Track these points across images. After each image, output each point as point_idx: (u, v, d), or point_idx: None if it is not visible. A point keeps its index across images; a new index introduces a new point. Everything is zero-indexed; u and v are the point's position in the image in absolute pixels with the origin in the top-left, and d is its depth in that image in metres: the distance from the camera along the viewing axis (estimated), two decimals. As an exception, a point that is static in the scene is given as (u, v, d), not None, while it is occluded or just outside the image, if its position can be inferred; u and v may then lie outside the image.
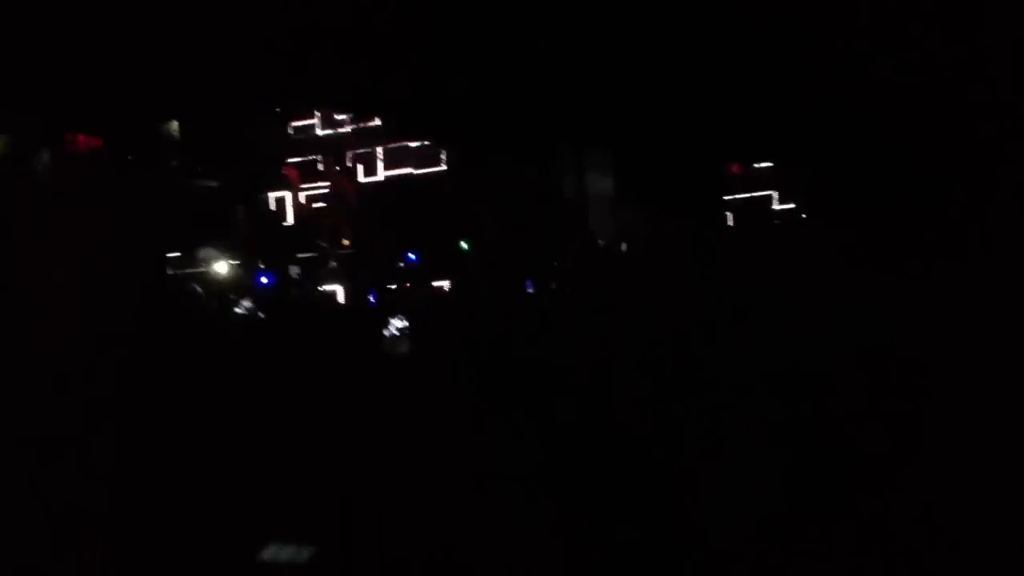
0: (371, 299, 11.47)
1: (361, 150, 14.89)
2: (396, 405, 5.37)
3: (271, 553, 3.69)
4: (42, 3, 6.20)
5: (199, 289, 11.16)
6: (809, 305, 5.41)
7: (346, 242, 13.63)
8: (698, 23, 7.08)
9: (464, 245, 12.83)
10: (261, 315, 10.32)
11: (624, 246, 11.44)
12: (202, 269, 11.84)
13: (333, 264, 12.68)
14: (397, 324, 8.20)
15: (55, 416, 6.09)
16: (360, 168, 14.95)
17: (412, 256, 12.35)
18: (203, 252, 12.09)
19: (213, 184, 13.19)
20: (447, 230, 12.98)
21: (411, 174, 14.63)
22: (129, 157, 12.58)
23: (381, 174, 14.74)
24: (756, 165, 13.04)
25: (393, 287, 11.79)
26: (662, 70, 7.94)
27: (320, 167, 15.01)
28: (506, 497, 4.03)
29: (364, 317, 9.93)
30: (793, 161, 10.79)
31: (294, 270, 13.21)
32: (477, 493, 4.10)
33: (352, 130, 15.00)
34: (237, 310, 10.12)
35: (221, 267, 11.90)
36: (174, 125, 13.09)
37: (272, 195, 14.41)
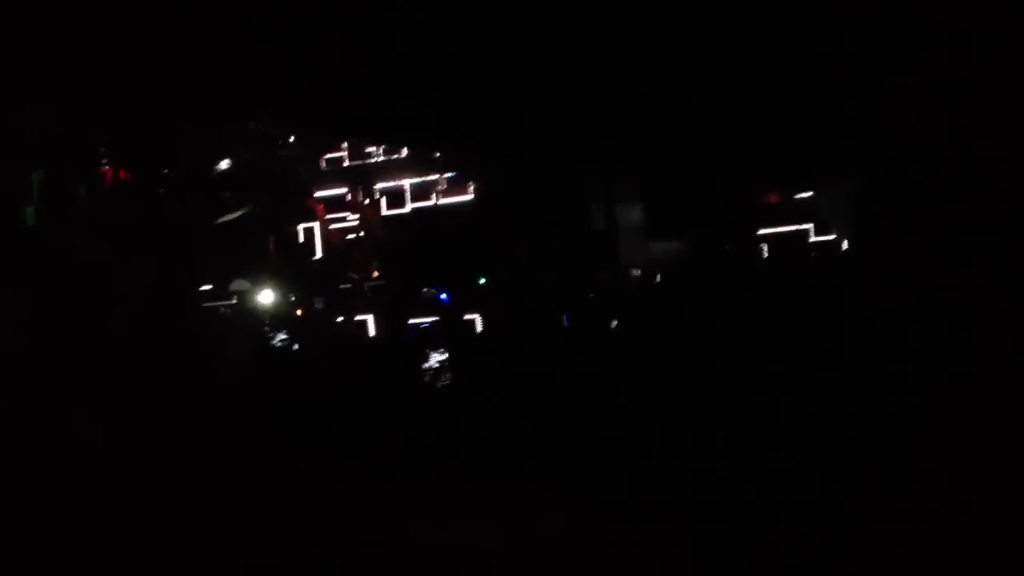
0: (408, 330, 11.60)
1: (388, 182, 15.06)
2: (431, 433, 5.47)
3: None
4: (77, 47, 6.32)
5: (234, 320, 11.31)
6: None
7: (376, 274, 13.78)
8: (737, 53, 7.18)
9: (482, 281, 12.94)
10: (296, 347, 10.45)
11: (658, 277, 11.55)
12: (235, 301, 11.99)
13: (367, 294, 12.82)
14: (437, 357, 8.36)
15: (93, 446, 6.21)
16: (387, 199, 15.11)
17: (442, 295, 12.49)
18: (236, 284, 12.25)
19: (244, 215, 13.37)
20: (476, 262, 13.10)
21: (439, 205, 14.78)
22: (161, 189, 12.78)
23: (408, 206, 14.90)
24: (797, 196, 13.09)
25: (426, 320, 11.91)
26: (695, 97, 8.03)
27: (348, 198, 15.18)
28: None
29: (402, 349, 10.06)
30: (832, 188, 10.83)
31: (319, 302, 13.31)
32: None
33: (379, 161, 15.19)
34: (274, 342, 10.26)
35: (256, 298, 12.05)
36: (204, 157, 13.31)
37: (302, 227, 14.58)
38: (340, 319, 12.29)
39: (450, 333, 11.30)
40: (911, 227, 5.29)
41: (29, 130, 9.52)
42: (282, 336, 10.71)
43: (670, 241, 12.90)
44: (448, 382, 8.02)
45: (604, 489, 4.18)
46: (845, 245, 11.77)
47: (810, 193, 13.01)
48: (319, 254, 14.27)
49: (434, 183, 14.54)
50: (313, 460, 4.54)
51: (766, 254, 12.45)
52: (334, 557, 3.77)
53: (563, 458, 4.51)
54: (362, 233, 14.55)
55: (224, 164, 13.81)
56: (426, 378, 8.29)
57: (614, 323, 9.71)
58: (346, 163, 15.31)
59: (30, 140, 9.72)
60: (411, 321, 12.25)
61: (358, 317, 12.36)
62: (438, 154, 14.36)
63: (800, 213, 13.63)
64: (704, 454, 4.22)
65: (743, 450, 4.22)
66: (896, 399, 4.34)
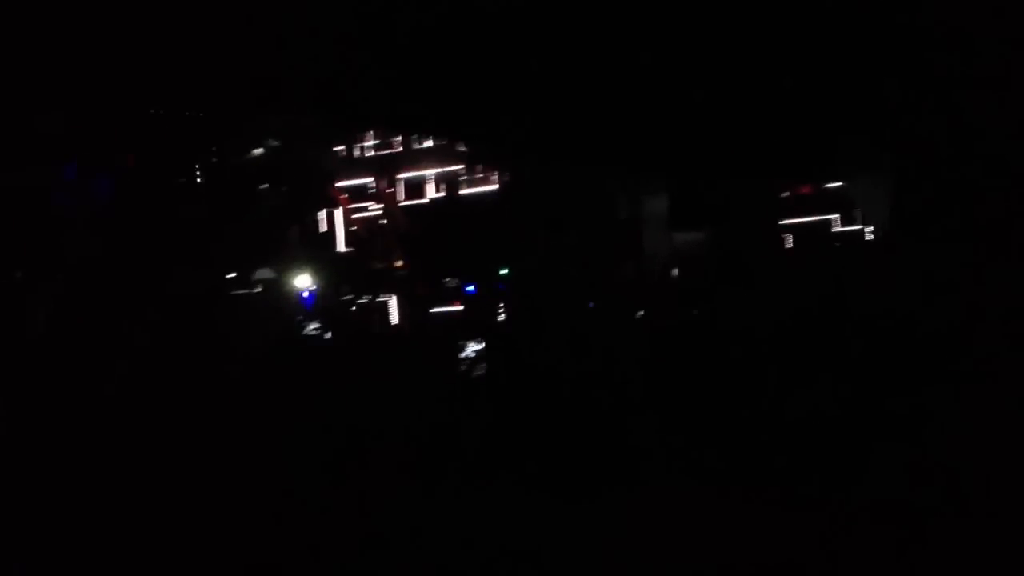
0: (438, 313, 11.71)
1: (412, 171, 15.21)
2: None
3: None
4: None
5: (267, 309, 11.48)
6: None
7: (399, 263, 13.93)
8: (763, 45, 7.16)
9: (503, 272, 13.00)
10: (328, 336, 10.58)
11: (675, 271, 11.57)
12: (263, 289, 12.17)
13: (391, 282, 12.97)
14: (473, 347, 8.42)
15: (115, 431, 6.38)
16: (410, 190, 15.26)
17: (468, 287, 12.60)
18: (260, 272, 12.42)
19: (271, 205, 13.54)
20: (501, 252, 13.16)
21: (462, 196, 14.89)
22: (185, 180, 12.97)
23: (431, 195, 15.04)
24: (827, 185, 12.99)
25: (452, 309, 12.05)
26: (721, 90, 8.01)
27: (372, 188, 15.36)
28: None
29: (434, 339, 10.15)
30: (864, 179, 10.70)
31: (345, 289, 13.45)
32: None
33: (403, 151, 15.34)
34: (306, 331, 10.40)
35: (285, 286, 12.24)
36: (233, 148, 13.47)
37: (324, 216, 14.77)
38: (361, 308, 12.44)
39: (475, 323, 11.37)
40: (917, 227, 5.33)
41: (55, 129, 9.73)
42: (312, 324, 10.86)
43: (693, 232, 12.89)
44: (482, 371, 8.06)
45: (605, 489, 4.27)
46: (869, 235, 11.72)
47: (839, 184, 12.94)
48: (341, 243, 14.42)
49: (458, 174, 14.66)
50: (320, 458, 4.66)
51: (789, 244, 12.42)
52: (334, 557, 3.88)
53: (566, 458, 4.60)
54: (385, 223, 14.70)
55: (252, 155, 13.99)
56: (461, 367, 8.34)
57: (639, 313, 9.75)
58: (371, 153, 15.48)
59: (57, 138, 9.93)
60: (434, 310, 12.37)
61: (379, 304, 12.51)
62: (462, 146, 14.46)
63: (828, 203, 13.57)
64: (706, 454, 4.31)
65: (744, 450, 4.30)
66: (896, 399, 4.39)
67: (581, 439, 4.67)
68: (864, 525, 3.76)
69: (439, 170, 15.13)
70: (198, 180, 12.53)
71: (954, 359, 4.40)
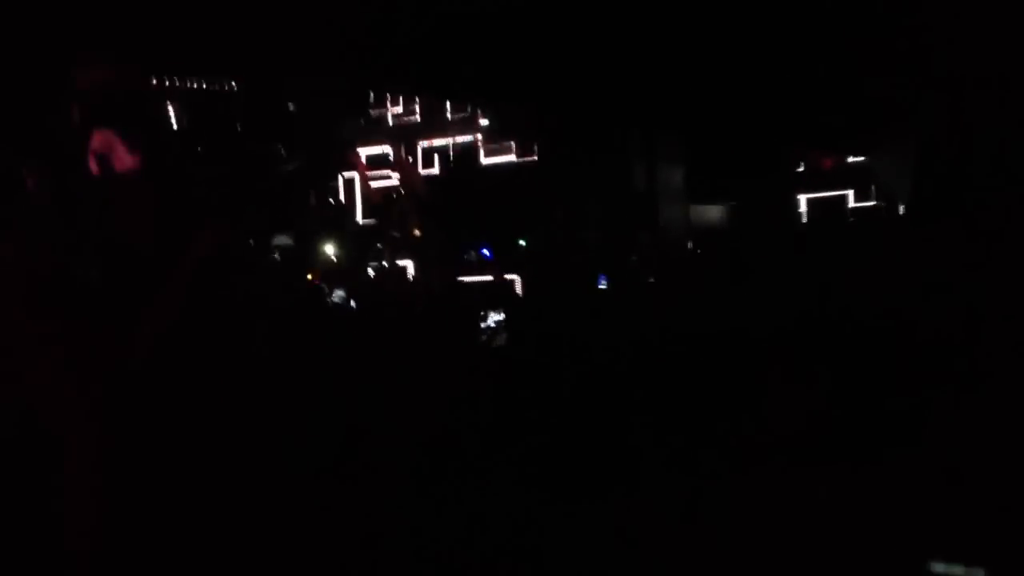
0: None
1: (432, 140, 15.22)
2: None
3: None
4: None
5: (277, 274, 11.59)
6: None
7: (417, 232, 14.00)
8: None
9: (522, 243, 13.03)
10: (352, 303, 10.64)
11: (690, 244, 11.58)
12: (278, 256, 12.26)
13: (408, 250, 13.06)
14: (494, 316, 8.41)
15: (129, 407, 6.50)
16: (429, 158, 15.27)
17: (485, 251, 12.62)
18: (278, 239, 12.51)
19: (288, 169, 13.61)
20: (516, 222, 13.21)
21: (480, 164, 14.91)
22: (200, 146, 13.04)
23: (449, 164, 15.05)
24: (850, 159, 12.87)
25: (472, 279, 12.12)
26: (741, 53, 7.93)
27: (391, 156, 15.38)
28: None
29: (453, 308, 10.18)
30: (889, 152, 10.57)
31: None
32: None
33: (422, 119, 15.33)
34: (331, 298, 10.46)
35: (299, 252, 12.34)
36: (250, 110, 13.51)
37: (342, 182, 14.83)
38: (380, 277, 12.53)
39: (496, 291, 11.40)
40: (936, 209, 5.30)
41: (80, 90, 9.76)
42: (340, 292, 10.93)
43: (711, 205, 12.87)
44: (503, 342, 8.03)
45: (605, 489, 4.35)
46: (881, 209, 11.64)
47: (863, 158, 12.81)
48: (359, 210, 14.49)
49: (476, 142, 14.64)
50: (323, 453, 4.72)
51: (803, 227, 12.40)
52: (334, 557, 3.96)
53: (566, 458, 4.67)
54: (402, 191, 14.74)
55: (273, 119, 14.04)
56: (483, 337, 8.32)
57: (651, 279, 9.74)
58: (390, 120, 15.46)
59: (81, 100, 9.97)
60: (457, 279, 12.43)
61: (398, 274, 12.59)
62: (480, 112, 14.45)
63: (849, 178, 13.45)
64: (706, 454, 4.37)
65: (743, 450, 4.35)
66: (897, 399, 4.42)
67: (581, 439, 4.73)
68: (865, 525, 3.81)
69: (458, 139, 15.12)
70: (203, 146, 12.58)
71: (956, 358, 4.42)
